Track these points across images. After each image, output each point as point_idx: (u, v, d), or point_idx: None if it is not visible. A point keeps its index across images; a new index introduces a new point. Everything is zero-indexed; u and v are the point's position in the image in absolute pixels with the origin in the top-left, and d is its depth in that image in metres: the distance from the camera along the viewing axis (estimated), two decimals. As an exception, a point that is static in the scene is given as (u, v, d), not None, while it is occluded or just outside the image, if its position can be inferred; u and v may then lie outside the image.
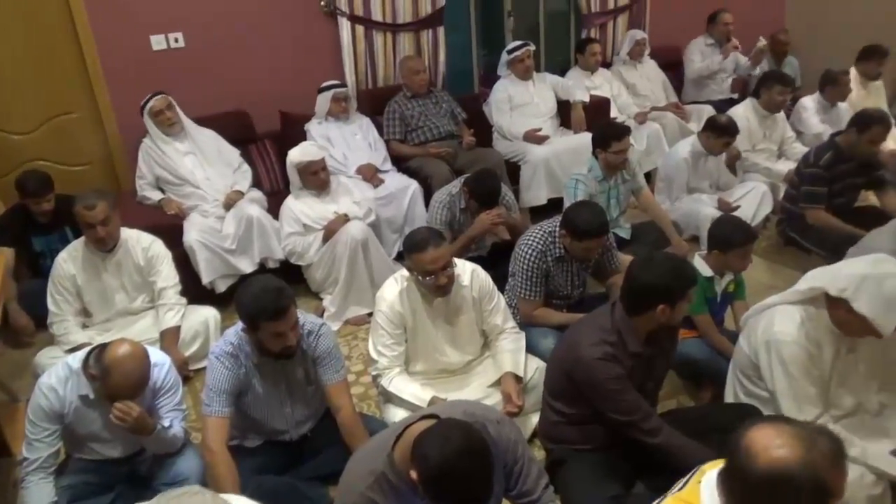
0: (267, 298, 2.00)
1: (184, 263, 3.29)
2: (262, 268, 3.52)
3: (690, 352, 2.60)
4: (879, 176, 3.61)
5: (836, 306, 1.97)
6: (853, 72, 4.70)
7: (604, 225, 2.66)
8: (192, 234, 3.41)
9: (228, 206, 3.58)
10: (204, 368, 2.48)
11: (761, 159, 4.25)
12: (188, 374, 3.00)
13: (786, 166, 4.16)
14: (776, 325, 2.04)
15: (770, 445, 1.15)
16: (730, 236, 2.56)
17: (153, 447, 2.17)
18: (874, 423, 2.11)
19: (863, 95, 4.70)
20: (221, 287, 3.49)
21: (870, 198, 3.87)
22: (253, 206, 3.56)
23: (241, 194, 3.65)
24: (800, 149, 4.24)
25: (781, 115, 4.37)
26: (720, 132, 3.76)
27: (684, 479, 1.41)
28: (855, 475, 1.91)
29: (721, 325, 2.76)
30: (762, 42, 5.10)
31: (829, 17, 5.65)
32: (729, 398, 2.31)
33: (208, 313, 3.12)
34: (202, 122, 3.83)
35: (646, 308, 1.97)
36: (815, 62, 5.33)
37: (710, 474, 1.31)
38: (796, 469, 1.12)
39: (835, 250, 2.92)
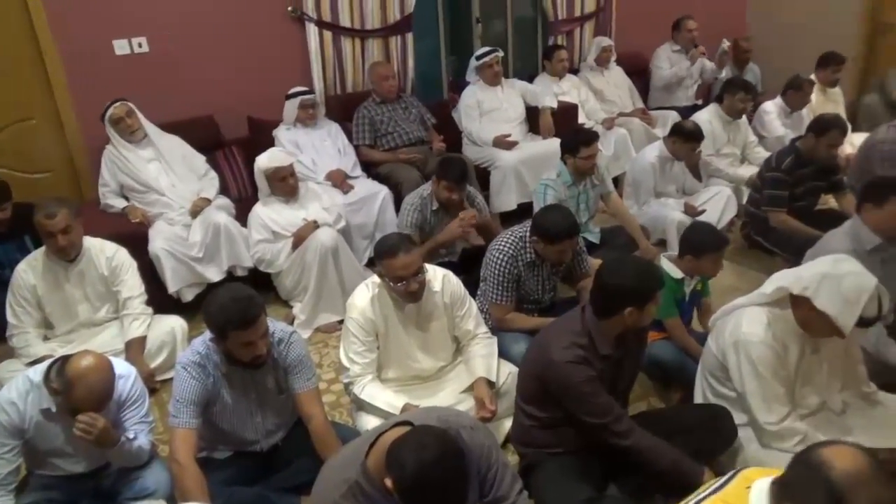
0: (236, 307, 1.97)
1: (149, 272, 3.22)
2: (231, 276, 3.47)
3: (659, 354, 2.64)
4: (838, 180, 3.72)
5: (799, 305, 2.02)
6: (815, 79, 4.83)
7: (574, 226, 2.68)
8: (158, 243, 3.34)
9: (195, 213, 3.52)
10: (171, 379, 2.42)
11: (725, 164, 4.34)
12: (154, 385, 2.93)
13: (749, 171, 4.25)
14: (744, 326, 2.09)
15: (849, 471, 1.17)
16: (703, 242, 2.61)
17: (118, 461, 2.11)
18: (838, 422, 2.17)
19: (821, 101, 4.83)
20: (188, 296, 3.43)
21: (830, 201, 3.98)
22: (220, 214, 3.51)
23: (207, 201, 3.60)
24: (762, 153, 4.34)
25: (744, 120, 4.47)
26: (686, 137, 3.84)
27: (723, 479, 1.42)
28: None
29: (688, 325, 2.81)
30: (726, 44, 5.22)
31: (788, 26, 5.81)
32: (698, 399, 2.35)
33: (175, 323, 3.06)
34: (168, 128, 3.77)
35: (614, 311, 1.99)
36: (775, 69, 5.49)
37: (760, 482, 1.32)
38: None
39: (797, 252, 2.99)
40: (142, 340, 2.90)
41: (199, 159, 3.80)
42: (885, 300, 1.94)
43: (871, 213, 2.56)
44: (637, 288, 1.96)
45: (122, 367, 2.16)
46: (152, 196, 3.57)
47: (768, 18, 6.00)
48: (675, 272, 2.67)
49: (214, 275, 3.45)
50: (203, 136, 3.97)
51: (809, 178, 3.62)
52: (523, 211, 4.03)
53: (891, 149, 3.74)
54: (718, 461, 2.17)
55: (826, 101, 4.85)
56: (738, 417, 2.16)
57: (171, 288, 3.36)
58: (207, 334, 2.09)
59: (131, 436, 2.07)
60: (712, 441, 2.15)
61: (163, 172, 3.61)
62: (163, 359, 2.99)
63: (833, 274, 1.94)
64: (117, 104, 3.53)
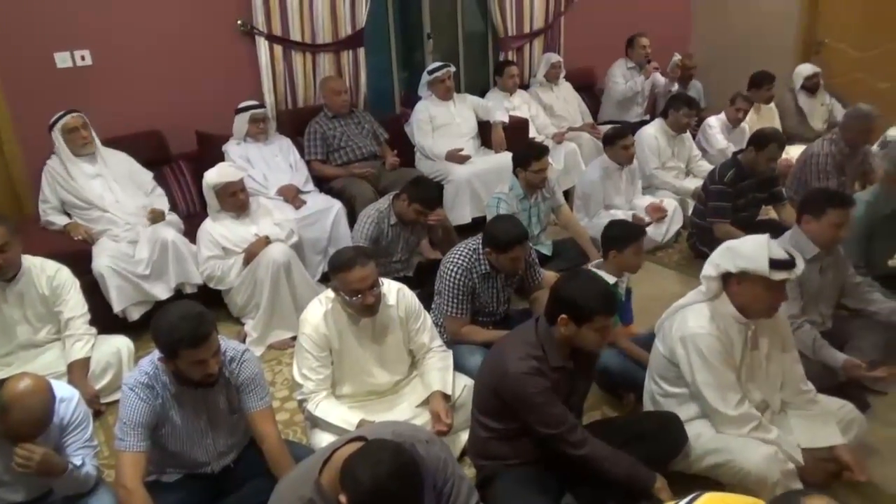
0: (186, 325, 1.92)
1: (93, 291, 3.12)
2: (179, 294, 3.39)
3: (605, 362, 2.65)
4: (778, 191, 3.89)
5: (728, 286, 2.15)
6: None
7: (523, 233, 2.73)
8: (102, 260, 3.24)
9: (154, 221, 3.46)
10: (117, 401, 2.35)
11: (670, 177, 4.48)
12: (99, 408, 2.84)
13: (693, 183, 4.39)
14: (689, 322, 2.17)
15: None
16: (623, 234, 2.79)
17: (62, 489, 2.02)
18: (778, 420, 2.26)
19: (755, 119, 5.03)
20: (135, 315, 3.33)
21: (770, 212, 4.14)
22: (168, 230, 3.42)
23: (162, 212, 3.56)
24: (706, 166, 4.50)
25: (688, 135, 4.64)
26: (611, 140, 4.01)
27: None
28: (770, 451, 2.06)
29: (629, 324, 2.92)
30: (677, 57, 5.41)
31: (730, 43, 6.04)
32: (647, 402, 2.41)
33: (120, 343, 2.97)
34: (113, 143, 3.67)
35: (553, 316, 2.03)
36: (717, 85, 5.70)
37: None
38: None
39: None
40: (85, 362, 2.80)
41: (146, 176, 3.72)
42: (794, 251, 2.11)
43: (811, 224, 2.68)
44: (575, 300, 1.97)
45: (63, 389, 2.08)
46: (95, 213, 3.47)
47: (711, 37, 6.23)
48: (609, 278, 2.74)
49: (162, 292, 3.36)
50: (150, 151, 3.88)
51: (751, 189, 3.77)
52: (478, 224, 4.06)
53: (825, 161, 3.93)
54: (672, 463, 2.22)
55: (761, 119, 5.06)
56: (689, 410, 2.22)
57: (117, 307, 3.26)
58: (156, 354, 2.03)
59: (78, 462, 1.99)
60: (664, 447, 2.19)
61: (107, 189, 3.51)
62: (108, 380, 2.89)
63: (732, 245, 2.15)
64: (73, 114, 3.43)
